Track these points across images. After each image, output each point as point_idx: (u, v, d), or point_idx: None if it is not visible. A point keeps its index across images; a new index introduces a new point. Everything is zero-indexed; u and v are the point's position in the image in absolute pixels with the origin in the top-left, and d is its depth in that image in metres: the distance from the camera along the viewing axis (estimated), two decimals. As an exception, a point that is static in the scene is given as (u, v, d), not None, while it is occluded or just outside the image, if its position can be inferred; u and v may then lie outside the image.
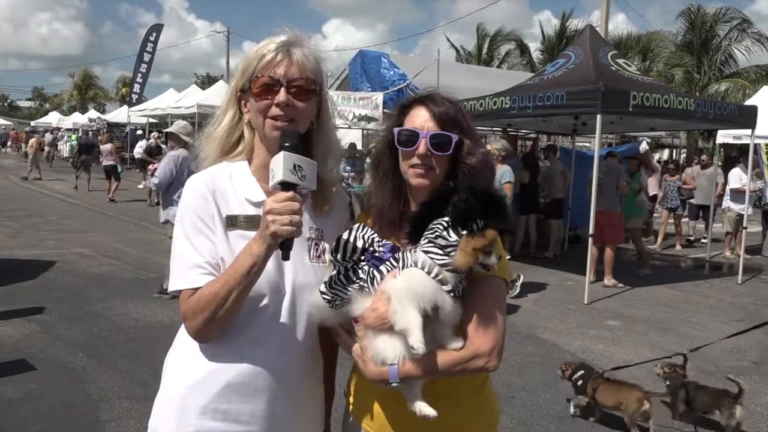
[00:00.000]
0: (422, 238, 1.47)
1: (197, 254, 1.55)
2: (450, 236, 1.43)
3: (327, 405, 1.84)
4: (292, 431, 1.66)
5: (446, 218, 1.45)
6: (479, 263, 1.42)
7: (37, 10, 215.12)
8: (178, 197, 6.28)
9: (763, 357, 5.99)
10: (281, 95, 1.55)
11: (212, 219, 1.58)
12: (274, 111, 1.57)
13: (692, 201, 13.09)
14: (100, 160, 18.76)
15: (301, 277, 1.62)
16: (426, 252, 1.45)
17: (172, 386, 1.62)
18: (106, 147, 18.04)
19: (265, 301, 1.57)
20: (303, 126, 1.61)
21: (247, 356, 1.56)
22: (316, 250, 1.67)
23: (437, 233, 1.45)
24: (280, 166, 1.42)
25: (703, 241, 12.85)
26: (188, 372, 1.59)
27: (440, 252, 1.43)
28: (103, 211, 14.73)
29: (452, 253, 1.42)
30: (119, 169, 18.05)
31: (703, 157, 14.01)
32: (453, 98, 1.70)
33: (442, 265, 1.43)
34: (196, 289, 1.53)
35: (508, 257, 1.69)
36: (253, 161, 1.68)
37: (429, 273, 1.43)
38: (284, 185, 1.43)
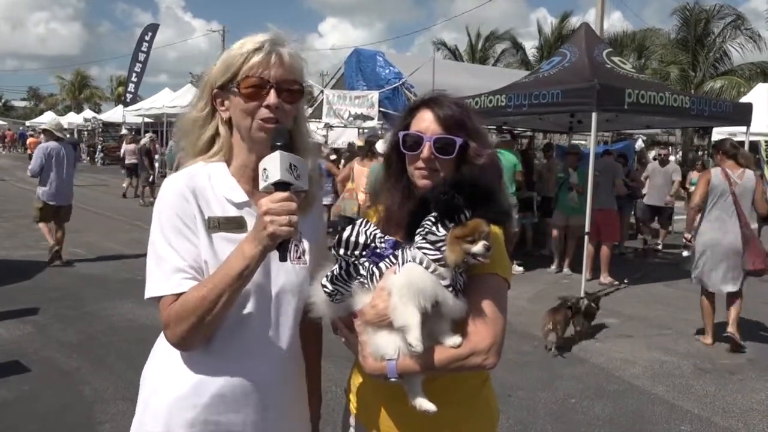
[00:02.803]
0: (416, 236, 1.48)
1: (179, 258, 1.48)
2: (438, 231, 1.44)
3: (314, 408, 1.81)
4: None
5: (434, 214, 1.46)
6: (465, 253, 1.42)
7: (33, 9, 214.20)
8: (50, 180, 7.69)
9: (759, 354, 6.00)
10: (272, 97, 1.52)
11: (194, 220, 1.51)
12: (264, 113, 1.52)
13: (645, 202, 11.63)
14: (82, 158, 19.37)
15: (284, 279, 1.59)
16: (420, 248, 1.46)
17: (156, 401, 1.55)
18: (129, 147, 18.70)
19: (250, 305, 1.53)
20: (288, 127, 1.58)
21: (233, 363, 1.53)
22: (296, 250, 1.63)
23: (427, 229, 1.46)
24: (276, 165, 1.39)
25: (657, 246, 11.67)
26: (172, 385, 1.53)
27: (432, 248, 1.44)
28: (98, 212, 14.66)
29: (443, 248, 1.43)
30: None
31: (662, 151, 12.22)
32: (460, 100, 1.70)
33: (435, 260, 1.44)
34: (178, 295, 1.46)
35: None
36: (232, 161, 1.61)
37: (427, 268, 1.44)
38: (279, 185, 1.40)
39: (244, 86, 1.52)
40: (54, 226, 8.63)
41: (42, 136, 10.14)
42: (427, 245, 1.45)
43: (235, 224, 1.52)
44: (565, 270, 9.46)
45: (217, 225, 1.53)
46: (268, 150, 1.43)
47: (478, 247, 1.41)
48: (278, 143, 1.43)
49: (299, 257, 1.63)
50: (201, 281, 1.47)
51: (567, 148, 10.91)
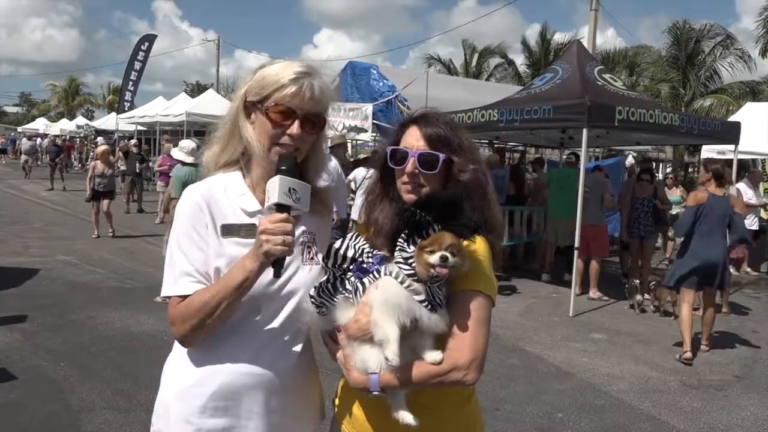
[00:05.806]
0: (395, 251, 1.52)
1: (188, 263, 1.60)
2: (408, 248, 1.49)
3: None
4: (290, 423, 1.71)
5: (406, 230, 1.51)
6: (427, 263, 1.44)
7: (29, 15, 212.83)
8: None
9: (745, 371, 6.04)
10: (295, 128, 1.61)
11: (205, 228, 1.62)
12: (285, 140, 1.62)
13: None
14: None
15: (294, 279, 1.67)
16: (397, 263, 1.50)
17: (171, 389, 1.67)
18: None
19: (258, 303, 1.62)
20: (304, 153, 1.68)
21: (241, 357, 1.62)
22: (309, 252, 1.73)
23: (400, 246, 1.51)
24: (276, 188, 1.50)
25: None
26: (185, 375, 1.65)
27: (404, 263, 1.49)
28: (88, 219, 14.58)
29: (413, 263, 1.48)
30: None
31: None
32: (448, 118, 1.73)
33: (409, 276, 1.48)
34: (184, 297, 1.57)
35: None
36: (250, 174, 1.72)
37: (402, 283, 1.48)
38: (279, 207, 1.49)
39: (273, 111, 1.62)
40: None
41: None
42: (402, 261, 1.49)
43: (246, 230, 1.60)
44: None
45: (230, 232, 1.63)
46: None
47: (434, 257, 1.44)
48: (283, 167, 1.53)
49: (311, 258, 1.73)
50: (206, 286, 1.58)
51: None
